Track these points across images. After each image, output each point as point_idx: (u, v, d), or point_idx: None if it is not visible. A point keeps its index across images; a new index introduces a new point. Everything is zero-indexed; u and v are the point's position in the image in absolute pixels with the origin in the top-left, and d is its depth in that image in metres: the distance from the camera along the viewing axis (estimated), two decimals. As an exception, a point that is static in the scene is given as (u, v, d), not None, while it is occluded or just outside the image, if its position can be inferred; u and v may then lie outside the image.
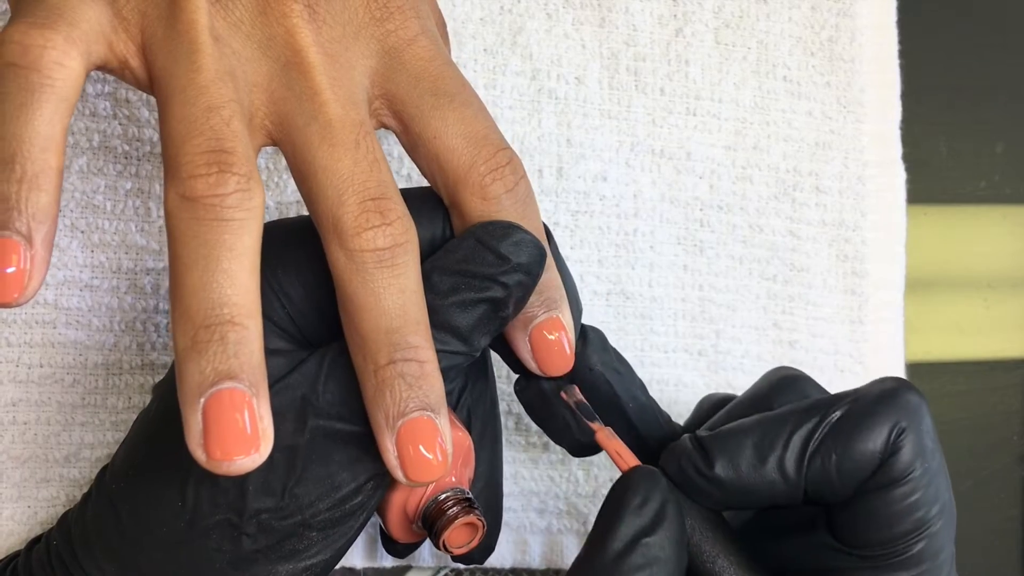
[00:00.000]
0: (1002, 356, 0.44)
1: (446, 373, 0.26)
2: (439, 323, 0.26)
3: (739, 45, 0.40)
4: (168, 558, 0.26)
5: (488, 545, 0.33)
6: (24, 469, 0.34)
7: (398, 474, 0.25)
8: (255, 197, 0.24)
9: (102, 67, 0.26)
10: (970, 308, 0.44)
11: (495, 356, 0.32)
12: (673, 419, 0.32)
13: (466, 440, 0.30)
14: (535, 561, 0.38)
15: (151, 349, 0.35)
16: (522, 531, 0.38)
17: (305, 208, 0.36)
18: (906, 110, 0.41)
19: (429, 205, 0.28)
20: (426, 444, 0.25)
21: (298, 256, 0.27)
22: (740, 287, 0.40)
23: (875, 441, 0.27)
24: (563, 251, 0.38)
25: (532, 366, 0.29)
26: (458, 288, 0.26)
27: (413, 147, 0.28)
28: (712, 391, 0.39)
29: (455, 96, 0.28)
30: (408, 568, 0.38)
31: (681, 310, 0.39)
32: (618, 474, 0.37)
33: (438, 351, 0.26)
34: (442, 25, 0.32)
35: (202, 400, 0.23)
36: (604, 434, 0.29)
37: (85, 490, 0.34)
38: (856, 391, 0.28)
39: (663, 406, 0.38)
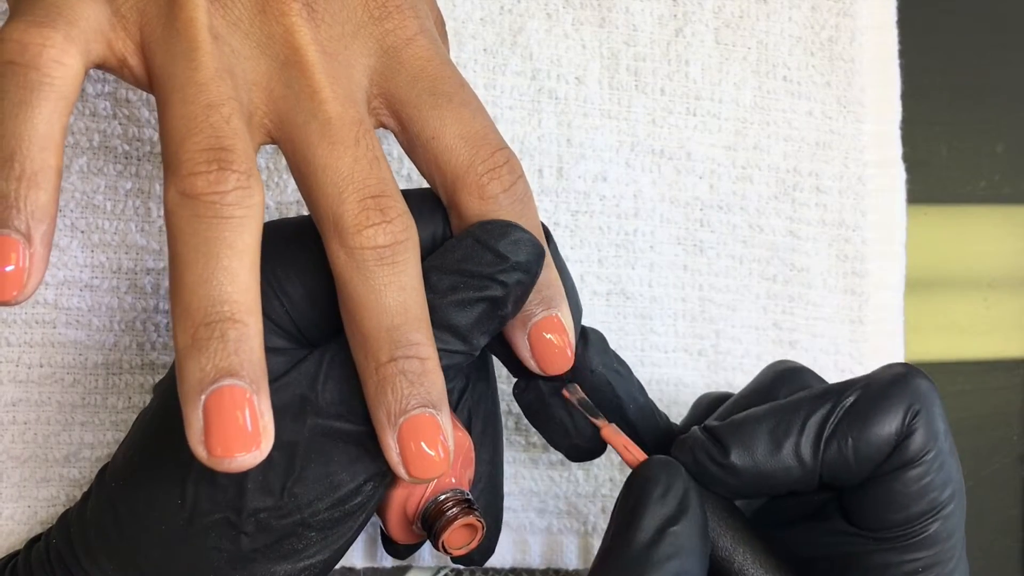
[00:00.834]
0: (1002, 356, 0.44)
1: (446, 372, 0.26)
2: (438, 322, 0.26)
3: (739, 45, 0.40)
4: (167, 556, 0.26)
5: (488, 547, 0.32)
6: (24, 469, 0.34)
7: (400, 471, 0.25)
8: (255, 195, 0.24)
9: (101, 65, 0.26)
10: (970, 308, 0.44)
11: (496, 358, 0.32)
12: (672, 419, 0.32)
13: (466, 441, 0.30)
14: (535, 561, 0.38)
15: (151, 349, 0.35)
16: (522, 531, 0.38)
17: (305, 210, 0.36)
18: (906, 110, 0.41)
19: (429, 205, 0.28)
20: (428, 441, 0.25)
21: (297, 255, 0.27)
22: (740, 287, 0.40)
23: (891, 424, 0.27)
24: (563, 251, 0.38)
25: (531, 365, 0.29)
26: (457, 287, 0.27)
27: (411, 147, 0.28)
28: (712, 391, 0.39)
29: (453, 96, 0.28)
30: (408, 568, 0.38)
31: (681, 310, 0.39)
32: (619, 473, 0.37)
33: (437, 350, 0.26)
34: (441, 24, 0.32)
35: (203, 397, 0.23)
36: (610, 430, 0.29)
37: (85, 490, 0.34)
38: (867, 377, 0.28)
39: (663, 406, 0.38)
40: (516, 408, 0.38)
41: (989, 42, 0.44)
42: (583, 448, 0.30)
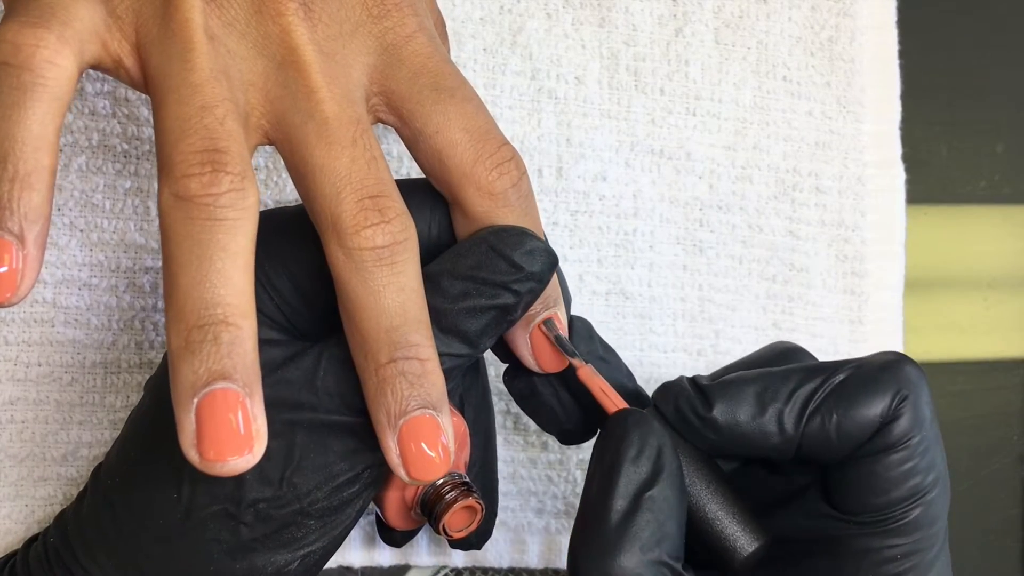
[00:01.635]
0: (1002, 356, 0.44)
1: (449, 375, 0.26)
2: (447, 327, 0.26)
3: (739, 45, 0.40)
4: (165, 551, 0.26)
5: (486, 530, 0.33)
6: (22, 468, 0.34)
7: (400, 472, 0.25)
8: (249, 196, 0.24)
9: (96, 66, 0.26)
10: (970, 308, 0.44)
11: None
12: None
13: (461, 425, 0.30)
14: (533, 561, 0.38)
15: (149, 348, 0.35)
16: (520, 531, 0.38)
17: (304, 207, 0.36)
18: (906, 110, 0.41)
19: (428, 197, 0.28)
20: (428, 442, 0.25)
21: (286, 249, 0.27)
22: (740, 287, 0.40)
23: (877, 406, 0.27)
24: (563, 251, 0.38)
25: (531, 363, 0.29)
26: (468, 294, 0.26)
27: (414, 142, 0.28)
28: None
29: (456, 91, 0.28)
30: (407, 568, 0.38)
31: (680, 310, 0.39)
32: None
33: (444, 355, 0.26)
34: (441, 25, 0.32)
35: (195, 400, 0.23)
36: (587, 371, 0.29)
37: (82, 489, 0.34)
38: (859, 359, 0.28)
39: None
40: (516, 408, 0.38)
41: (989, 42, 0.44)
42: (575, 432, 0.30)
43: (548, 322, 0.29)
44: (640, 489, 0.26)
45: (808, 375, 0.28)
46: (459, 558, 0.38)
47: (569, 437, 0.31)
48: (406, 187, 0.27)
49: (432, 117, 0.27)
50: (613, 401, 0.28)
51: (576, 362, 0.29)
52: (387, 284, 0.25)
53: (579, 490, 0.38)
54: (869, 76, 0.41)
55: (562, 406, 0.30)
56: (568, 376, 0.30)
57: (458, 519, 0.29)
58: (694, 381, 0.28)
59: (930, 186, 0.43)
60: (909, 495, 0.27)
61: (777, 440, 0.28)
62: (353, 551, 0.37)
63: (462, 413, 0.31)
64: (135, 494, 0.27)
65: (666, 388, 0.29)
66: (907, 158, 0.41)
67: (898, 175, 0.41)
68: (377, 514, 0.31)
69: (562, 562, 0.39)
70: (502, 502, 0.38)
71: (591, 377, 0.29)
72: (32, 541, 0.30)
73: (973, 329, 0.44)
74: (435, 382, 0.26)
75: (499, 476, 0.37)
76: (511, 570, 0.39)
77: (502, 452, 0.38)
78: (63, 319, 0.34)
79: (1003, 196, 0.44)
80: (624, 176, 0.39)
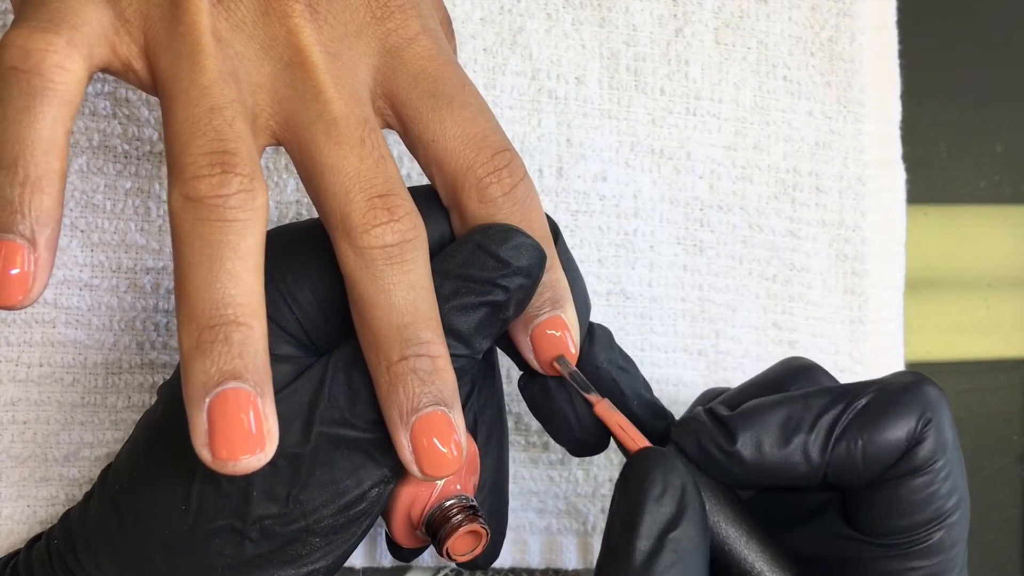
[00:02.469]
0: (1002, 356, 0.44)
1: None
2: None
3: (739, 45, 0.40)
4: (169, 560, 0.26)
5: (493, 552, 0.32)
6: (24, 468, 0.34)
7: (413, 469, 0.25)
8: (259, 197, 0.24)
9: (106, 69, 0.26)
10: (970, 308, 0.44)
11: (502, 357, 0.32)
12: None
13: (471, 447, 0.29)
14: (534, 561, 0.38)
15: (151, 348, 0.35)
16: (521, 531, 0.38)
17: (305, 210, 0.36)
18: (906, 110, 0.41)
19: (436, 204, 0.28)
20: (441, 438, 0.25)
21: (307, 261, 0.27)
22: (740, 287, 0.40)
23: (902, 430, 0.27)
24: (563, 251, 0.38)
25: (534, 364, 0.29)
26: (459, 292, 0.27)
27: (413, 148, 0.28)
28: (716, 387, 0.39)
29: (454, 97, 0.28)
30: (408, 568, 0.38)
31: (681, 310, 0.39)
32: (618, 472, 0.37)
33: None
34: (447, 24, 0.32)
35: (207, 400, 0.23)
36: (604, 406, 0.28)
37: (85, 489, 0.34)
38: (879, 381, 0.28)
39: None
40: (516, 408, 0.38)
41: (989, 42, 0.44)
42: (587, 443, 0.30)
43: (561, 359, 0.29)
44: (664, 529, 0.26)
45: (830, 400, 0.28)
46: (460, 558, 0.38)
47: (581, 449, 0.30)
48: (414, 192, 0.27)
49: (430, 125, 0.27)
50: (633, 439, 0.28)
51: (592, 398, 0.29)
52: (397, 282, 0.25)
53: (580, 490, 0.38)
54: (869, 76, 0.41)
55: (575, 414, 0.29)
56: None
57: (462, 543, 0.29)
58: (713, 413, 0.28)
59: (930, 186, 0.43)
60: (932, 518, 0.27)
61: (804, 470, 0.27)
62: (355, 552, 0.37)
63: (475, 431, 0.31)
64: (142, 501, 0.27)
65: (686, 424, 0.28)
66: (907, 158, 0.41)
67: (898, 175, 0.41)
68: (385, 528, 0.31)
69: (563, 563, 0.39)
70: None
71: (609, 413, 0.28)
72: (35, 540, 0.30)
73: (973, 329, 0.44)
74: (447, 379, 0.26)
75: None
76: (512, 570, 0.39)
77: (503, 452, 0.38)
78: (64, 320, 0.34)
79: (1003, 196, 0.44)
80: (624, 176, 0.39)
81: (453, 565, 0.38)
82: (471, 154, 0.27)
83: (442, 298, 0.26)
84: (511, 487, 0.38)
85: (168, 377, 0.33)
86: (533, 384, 0.30)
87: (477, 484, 0.31)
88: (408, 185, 0.27)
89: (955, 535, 0.27)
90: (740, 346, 0.40)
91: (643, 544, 0.26)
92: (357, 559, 0.37)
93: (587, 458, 0.38)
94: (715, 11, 0.40)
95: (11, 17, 0.34)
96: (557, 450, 0.38)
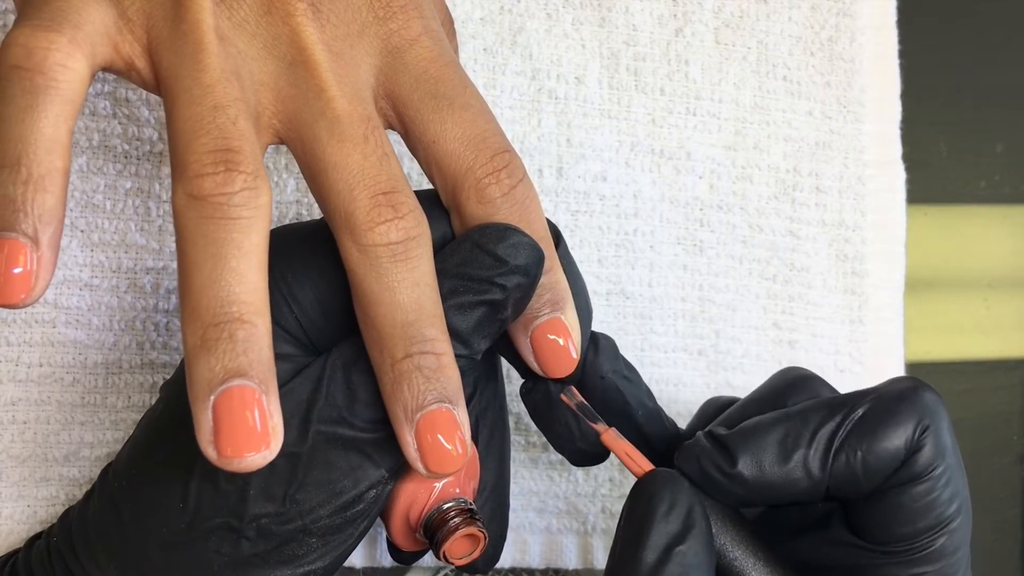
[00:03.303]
0: (1002, 356, 0.44)
1: None
2: None
3: (739, 45, 0.40)
4: (167, 559, 0.26)
5: (493, 555, 0.32)
6: (24, 468, 0.34)
7: (418, 466, 0.25)
8: (262, 195, 0.24)
9: (108, 68, 0.26)
10: (970, 308, 0.44)
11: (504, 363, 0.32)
12: (674, 419, 0.32)
13: (471, 451, 0.29)
14: (534, 561, 0.38)
15: (151, 348, 0.35)
16: (521, 531, 0.38)
17: (305, 210, 0.36)
18: (906, 110, 0.41)
19: (436, 206, 0.28)
20: (445, 435, 0.25)
21: (308, 260, 0.27)
22: (740, 287, 0.40)
23: (900, 438, 0.27)
24: (563, 251, 0.38)
25: (535, 367, 0.29)
26: (456, 291, 0.27)
27: (414, 150, 0.28)
28: (712, 391, 0.39)
29: (455, 99, 0.28)
30: (408, 568, 0.38)
31: (681, 310, 0.39)
32: (618, 474, 0.37)
33: None
34: (449, 24, 0.32)
35: (212, 398, 0.23)
36: (610, 435, 0.29)
37: (85, 489, 0.34)
38: (875, 389, 0.28)
39: (663, 406, 0.38)
40: (515, 408, 0.38)
41: (989, 42, 0.44)
42: (588, 453, 0.30)
43: (568, 390, 0.29)
44: (670, 543, 0.26)
45: (827, 413, 0.28)
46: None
47: (583, 458, 0.30)
48: (418, 195, 0.27)
49: (430, 125, 0.27)
50: (639, 464, 0.28)
51: (600, 427, 0.29)
52: (402, 279, 0.25)
53: (580, 490, 0.38)
54: (869, 76, 0.41)
55: (578, 424, 0.29)
56: (585, 389, 0.30)
57: (459, 547, 0.29)
58: (712, 435, 0.28)
59: (930, 186, 0.43)
60: (934, 524, 0.27)
61: (805, 485, 0.27)
62: (355, 552, 0.37)
63: (476, 434, 0.31)
64: (141, 499, 0.27)
65: (687, 449, 0.28)
66: (907, 158, 0.41)
67: (898, 175, 0.41)
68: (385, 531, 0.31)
69: (563, 563, 0.39)
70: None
71: (615, 442, 0.29)
72: (35, 539, 0.30)
73: (973, 329, 0.44)
74: (451, 376, 0.26)
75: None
76: (512, 570, 0.39)
77: (503, 452, 0.38)
78: (64, 320, 0.34)
79: (1003, 196, 0.44)
80: (624, 176, 0.39)
81: (453, 567, 0.38)
82: (471, 155, 0.27)
83: (441, 296, 0.26)
84: (511, 486, 0.38)
85: (168, 376, 0.33)
86: (535, 392, 0.30)
87: (477, 488, 0.31)
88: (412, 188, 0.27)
89: (957, 540, 0.27)
90: (740, 346, 0.40)
91: (650, 556, 0.26)
92: (357, 559, 0.37)
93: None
94: (715, 11, 0.40)
95: (12, 17, 0.34)
96: (557, 450, 0.38)
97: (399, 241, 0.25)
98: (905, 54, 0.42)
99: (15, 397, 0.34)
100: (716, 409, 0.32)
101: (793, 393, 0.30)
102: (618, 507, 0.39)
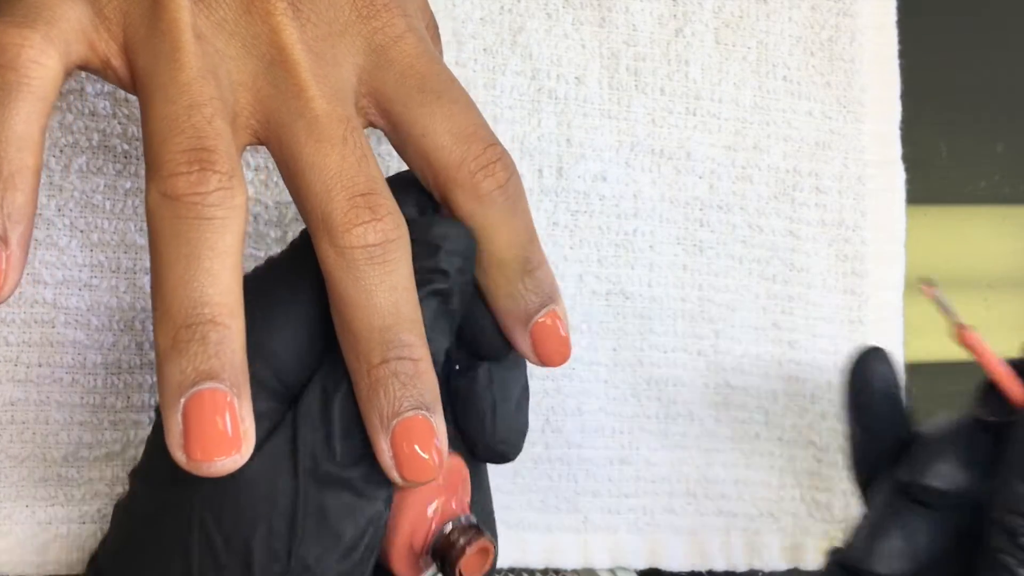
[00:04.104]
0: (1002, 356, 0.44)
1: None
2: None
3: (739, 45, 0.40)
4: None
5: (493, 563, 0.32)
6: (23, 468, 0.34)
7: (393, 475, 0.25)
8: (237, 196, 0.24)
9: (84, 66, 0.26)
10: (970, 308, 0.44)
11: None
12: (671, 420, 0.32)
13: (462, 465, 0.29)
14: (534, 561, 0.38)
15: (150, 348, 0.35)
16: (521, 530, 0.38)
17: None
18: (906, 110, 0.41)
19: (404, 188, 0.28)
20: (421, 443, 0.25)
21: (282, 309, 0.26)
22: (740, 287, 0.40)
23: None
24: (563, 251, 0.38)
25: (534, 359, 0.29)
26: None
27: (402, 145, 0.28)
28: (712, 391, 0.39)
29: (443, 93, 0.27)
30: None
31: (680, 310, 0.39)
32: (617, 472, 0.37)
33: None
34: (433, 28, 0.32)
35: (183, 401, 0.23)
36: (973, 337, 0.27)
37: (84, 489, 0.34)
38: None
39: (662, 405, 0.38)
40: (516, 408, 0.38)
41: (989, 42, 0.44)
42: (495, 450, 0.30)
43: (929, 280, 0.28)
44: None
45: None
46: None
47: (488, 456, 0.30)
48: (395, 183, 0.27)
49: (419, 120, 0.27)
50: (1009, 383, 0.27)
51: (959, 324, 0.27)
52: (379, 283, 0.25)
53: (580, 489, 0.38)
54: (869, 76, 0.41)
55: (493, 415, 0.29)
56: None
57: (473, 564, 0.29)
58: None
59: (930, 186, 0.43)
60: None
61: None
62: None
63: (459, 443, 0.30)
64: None
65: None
66: (907, 158, 0.41)
67: (898, 175, 0.41)
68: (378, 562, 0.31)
69: (563, 562, 0.38)
70: (503, 500, 0.38)
71: (978, 342, 0.27)
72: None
73: (973, 329, 0.44)
74: (429, 382, 0.25)
75: (501, 475, 0.37)
76: (512, 570, 0.39)
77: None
78: (64, 320, 0.34)
79: (1003, 196, 0.44)
80: (624, 176, 0.39)
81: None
82: (463, 148, 0.27)
83: None
84: (511, 486, 0.38)
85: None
86: (468, 377, 0.29)
87: (469, 500, 0.30)
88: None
89: None
90: (740, 346, 0.40)
91: None
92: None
93: (588, 458, 0.38)
94: (715, 11, 0.40)
95: None
96: (557, 448, 0.38)
97: (377, 243, 0.25)
98: (905, 54, 0.42)
99: (14, 397, 0.34)
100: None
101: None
102: (619, 506, 0.39)
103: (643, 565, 0.39)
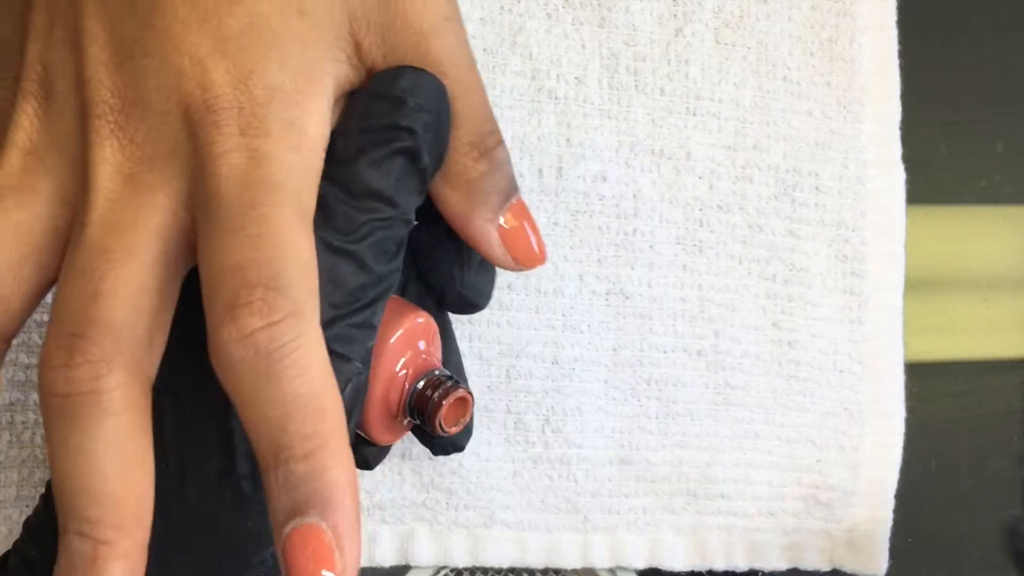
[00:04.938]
0: (1002, 356, 0.44)
1: (386, 244, 0.25)
2: (359, 189, 0.24)
3: (739, 45, 0.40)
4: None
5: (469, 428, 0.32)
6: (22, 469, 0.34)
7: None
8: (116, 374, 0.22)
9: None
10: (970, 308, 0.44)
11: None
12: (671, 420, 0.32)
13: (430, 322, 0.29)
14: (534, 560, 0.38)
15: (150, 349, 0.35)
16: (521, 530, 0.38)
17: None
18: (906, 110, 0.41)
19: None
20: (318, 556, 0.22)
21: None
22: (739, 287, 0.40)
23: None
24: (563, 251, 0.38)
25: (506, 261, 0.28)
26: (365, 148, 0.24)
27: None
28: (711, 391, 0.39)
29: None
30: (408, 568, 0.38)
31: (680, 310, 0.39)
32: (618, 472, 0.37)
33: (369, 219, 0.24)
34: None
35: None
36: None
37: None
38: None
39: (662, 405, 0.38)
40: (515, 407, 0.38)
41: (989, 42, 0.44)
42: (467, 300, 0.30)
43: None
44: None
45: None
46: (459, 557, 0.38)
47: (461, 305, 0.30)
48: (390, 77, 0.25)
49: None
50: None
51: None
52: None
53: (580, 489, 0.38)
54: (869, 76, 0.41)
55: (461, 269, 0.29)
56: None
57: (452, 413, 0.28)
58: None
59: (930, 186, 0.43)
60: None
61: None
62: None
63: (404, 293, 0.30)
64: None
65: None
66: (907, 158, 0.41)
67: (898, 175, 0.41)
68: (356, 435, 0.30)
69: (563, 562, 0.39)
70: (502, 500, 0.38)
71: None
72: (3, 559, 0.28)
73: (973, 329, 0.44)
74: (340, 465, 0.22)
75: (500, 474, 0.37)
76: (511, 570, 0.39)
77: (503, 451, 0.38)
78: (63, 321, 0.34)
79: (1003, 196, 0.44)
80: (624, 176, 0.39)
81: (452, 565, 0.38)
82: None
83: (349, 159, 0.24)
84: (511, 486, 0.38)
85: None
86: (426, 229, 0.29)
87: (440, 356, 0.30)
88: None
89: None
90: (739, 346, 0.40)
91: None
92: (357, 560, 0.37)
93: (588, 458, 0.38)
94: (715, 11, 0.40)
95: None
96: (557, 448, 0.38)
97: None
98: (905, 54, 0.42)
99: (13, 399, 0.34)
100: None
101: None
102: (619, 506, 0.39)
103: (643, 565, 0.39)
